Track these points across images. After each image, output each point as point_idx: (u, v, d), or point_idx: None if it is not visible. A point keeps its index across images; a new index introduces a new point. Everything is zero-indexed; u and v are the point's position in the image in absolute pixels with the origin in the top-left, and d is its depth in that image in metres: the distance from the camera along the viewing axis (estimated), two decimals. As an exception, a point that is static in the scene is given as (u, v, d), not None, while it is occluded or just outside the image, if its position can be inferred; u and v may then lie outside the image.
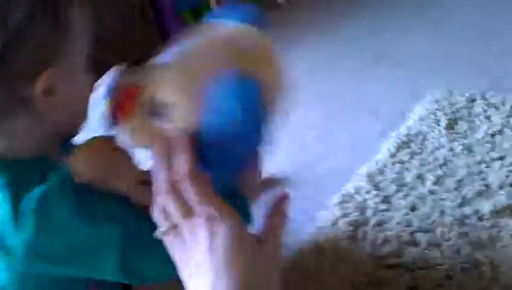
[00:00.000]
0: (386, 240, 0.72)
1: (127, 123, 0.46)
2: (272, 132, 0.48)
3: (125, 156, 0.50)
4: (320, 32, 1.70)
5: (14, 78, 0.44)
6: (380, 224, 0.76)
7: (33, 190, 0.44)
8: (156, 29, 1.92)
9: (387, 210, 0.78)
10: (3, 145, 0.48)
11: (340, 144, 1.03)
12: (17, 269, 0.48)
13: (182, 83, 0.45)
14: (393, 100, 1.16)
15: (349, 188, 0.85)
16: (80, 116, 0.52)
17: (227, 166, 0.47)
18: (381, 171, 0.88)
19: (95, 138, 0.50)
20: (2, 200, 0.45)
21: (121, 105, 0.47)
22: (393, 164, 0.89)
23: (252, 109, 0.46)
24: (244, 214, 0.51)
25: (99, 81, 0.52)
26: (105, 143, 0.50)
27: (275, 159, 1.03)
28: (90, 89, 0.52)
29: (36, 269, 0.48)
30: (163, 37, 1.96)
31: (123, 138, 0.48)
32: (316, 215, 0.81)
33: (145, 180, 0.49)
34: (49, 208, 0.45)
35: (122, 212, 0.49)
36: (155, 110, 0.44)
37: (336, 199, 0.83)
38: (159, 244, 0.45)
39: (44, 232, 0.45)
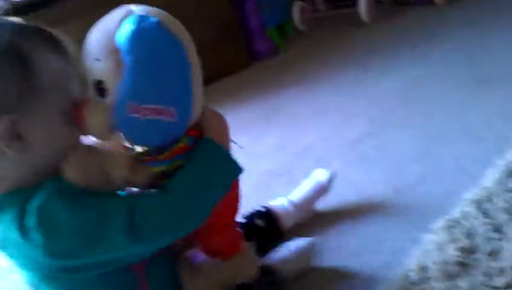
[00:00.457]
0: (501, 271, 0.69)
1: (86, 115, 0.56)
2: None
3: (107, 159, 0.56)
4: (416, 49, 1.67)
5: None
6: (492, 253, 0.73)
7: (30, 205, 0.50)
8: (244, 46, 2.01)
9: (499, 239, 0.75)
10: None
11: (440, 166, 1.01)
12: (49, 275, 0.55)
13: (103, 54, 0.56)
14: (495, 125, 1.11)
15: (455, 213, 0.82)
16: (60, 154, 0.55)
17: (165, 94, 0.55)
18: (489, 199, 0.84)
19: (80, 148, 0.58)
20: (10, 224, 0.51)
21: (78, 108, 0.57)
22: (502, 191, 0.85)
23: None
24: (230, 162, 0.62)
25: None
26: (89, 151, 0.58)
27: (373, 180, 1.03)
28: (67, 132, 0.57)
29: (64, 268, 0.54)
30: (250, 52, 2.04)
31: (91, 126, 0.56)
32: (419, 239, 0.80)
33: (134, 161, 0.57)
34: (46, 216, 0.50)
35: (116, 195, 0.57)
36: (98, 89, 0.57)
37: (441, 223, 0.81)
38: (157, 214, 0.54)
39: (51, 237, 0.51)
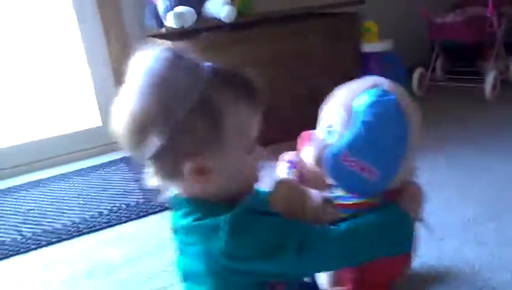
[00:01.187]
0: None
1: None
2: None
3: (307, 194, 0.69)
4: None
5: (176, 156, 0.59)
6: None
7: (228, 212, 0.59)
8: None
9: None
10: (197, 192, 0.63)
11: None
12: (219, 276, 0.61)
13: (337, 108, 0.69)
14: None
15: None
16: (242, 183, 0.65)
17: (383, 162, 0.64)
18: None
19: (285, 182, 0.70)
20: (203, 225, 0.60)
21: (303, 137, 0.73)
22: None
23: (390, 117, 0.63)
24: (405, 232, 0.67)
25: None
26: (296, 186, 0.70)
27: (490, 264, 0.99)
28: (250, 164, 0.65)
29: (232, 268, 0.60)
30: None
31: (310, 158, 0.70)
32: None
33: (327, 203, 0.68)
34: (237, 223, 0.58)
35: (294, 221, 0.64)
36: (327, 130, 0.70)
37: None
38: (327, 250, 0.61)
39: (236, 241, 0.58)
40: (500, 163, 1.49)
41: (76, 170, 1.82)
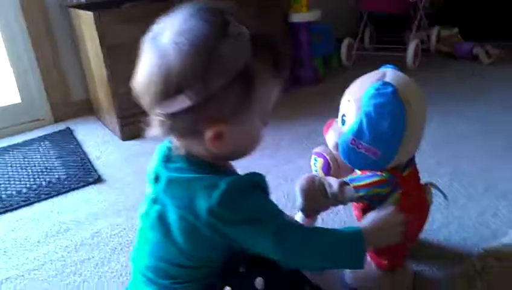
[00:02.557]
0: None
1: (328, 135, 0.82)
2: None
3: (326, 182, 0.80)
4: None
5: (200, 119, 0.59)
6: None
7: (223, 179, 0.60)
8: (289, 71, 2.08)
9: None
10: (198, 151, 0.64)
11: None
12: (200, 227, 0.62)
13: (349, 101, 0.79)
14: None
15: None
16: (248, 149, 0.67)
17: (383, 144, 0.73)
18: None
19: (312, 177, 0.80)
20: (199, 183, 0.61)
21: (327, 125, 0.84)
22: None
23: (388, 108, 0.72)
24: None
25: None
26: (310, 180, 0.80)
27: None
28: (260, 132, 0.66)
29: (212, 225, 0.60)
30: (294, 78, 2.13)
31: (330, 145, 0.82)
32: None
33: (344, 184, 0.78)
34: (229, 191, 0.60)
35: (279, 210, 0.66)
36: (342, 119, 0.81)
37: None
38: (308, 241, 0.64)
39: (222, 204, 0.59)
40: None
41: (-6, 150, 1.72)
